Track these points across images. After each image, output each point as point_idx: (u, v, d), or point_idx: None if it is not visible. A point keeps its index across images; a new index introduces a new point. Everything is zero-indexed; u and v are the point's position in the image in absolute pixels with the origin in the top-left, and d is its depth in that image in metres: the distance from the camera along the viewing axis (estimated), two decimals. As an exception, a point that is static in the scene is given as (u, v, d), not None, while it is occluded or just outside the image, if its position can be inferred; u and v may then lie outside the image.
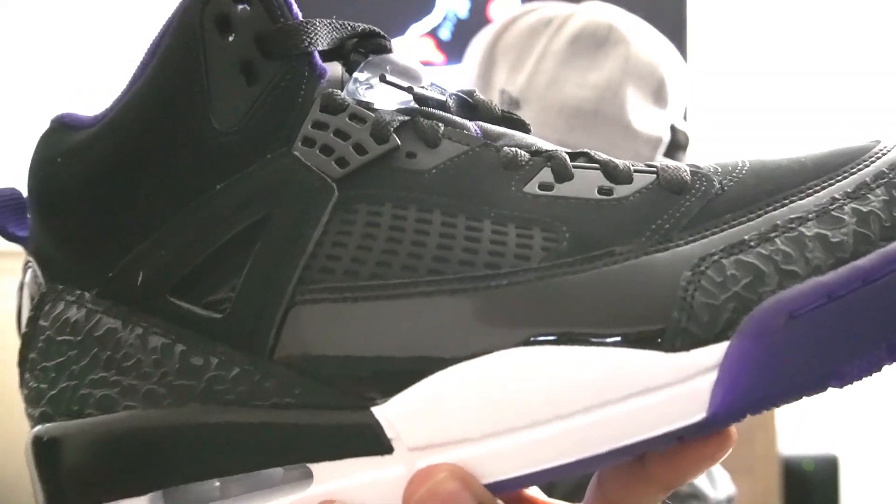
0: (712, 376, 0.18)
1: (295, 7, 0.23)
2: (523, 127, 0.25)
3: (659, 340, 0.19)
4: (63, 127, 0.23)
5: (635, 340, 0.19)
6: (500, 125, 0.24)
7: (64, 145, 0.22)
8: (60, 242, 0.22)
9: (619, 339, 0.19)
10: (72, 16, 1.29)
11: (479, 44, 0.64)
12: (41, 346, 0.22)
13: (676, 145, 0.61)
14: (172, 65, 0.21)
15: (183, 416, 0.21)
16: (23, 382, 0.23)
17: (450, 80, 0.64)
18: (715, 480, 0.62)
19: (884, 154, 0.22)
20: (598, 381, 0.19)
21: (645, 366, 0.19)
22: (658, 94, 0.60)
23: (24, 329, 0.23)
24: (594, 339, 0.19)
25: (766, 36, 1.51)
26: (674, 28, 1.27)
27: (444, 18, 1.32)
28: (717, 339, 0.19)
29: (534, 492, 0.26)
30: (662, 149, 0.59)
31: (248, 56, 0.22)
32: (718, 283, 0.19)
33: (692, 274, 0.19)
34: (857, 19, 1.50)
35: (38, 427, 0.22)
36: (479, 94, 0.25)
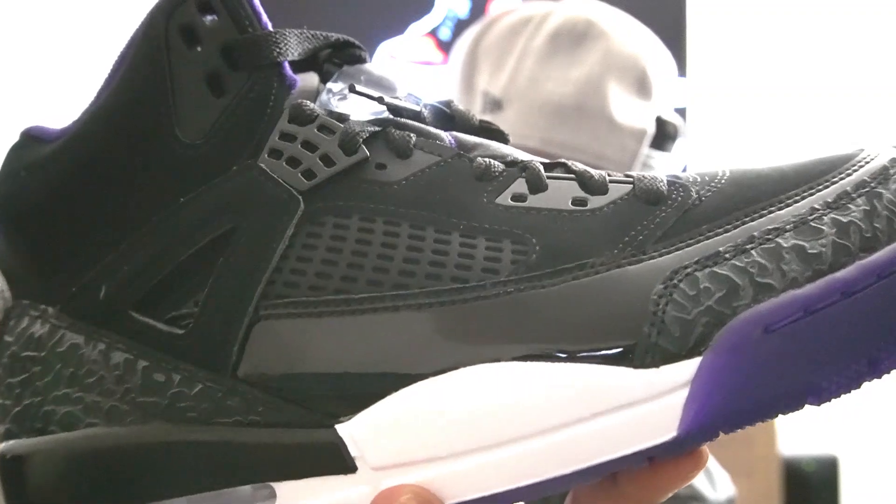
0: (684, 393, 0.18)
1: (264, 17, 0.22)
2: (501, 137, 0.25)
3: (629, 356, 0.18)
4: (31, 140, 0.23)
5: (604, 356, 0.18)
6: (478, 135, 0.24)
7: (29, 158, 0.22)
8: (24, 257, 0.22)
9: (587, 355, 0.18)
10: (50, 25, 1.29)
11: (461, 47, 0.64)
12: (6, 361, 0.22)
13: (666, 136, 0.60)
14: (138, 77, 0.21)
15: (146, 434, 0.20)
16: (-11, 399, 0.23)
17: (449, 80, 0.64)
18: (715, 482, 0.61)
19: (867, 163, 0.21)
20: (565, 399, 0.18)
21: (614, 383, 0.18)
22: (641, 86, 0.59)
23: None
24: (561, 356, 0.18)
25: (766, 41, 1.51)
26: (673, 33, 1.27)
27: (444, 18, 1.33)
28: (689, 354, 0.18)
29: None
30: (648, 141, 0.59)
31: (214, 67, 0.21)
32: (691, 296, 0.19)
33: (664, 287, 0.19)
34: (858, 22, 1.50)
35: (3, 444, 0.22)
36: (457, 104, 0.25)
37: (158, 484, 0.20)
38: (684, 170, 0.23)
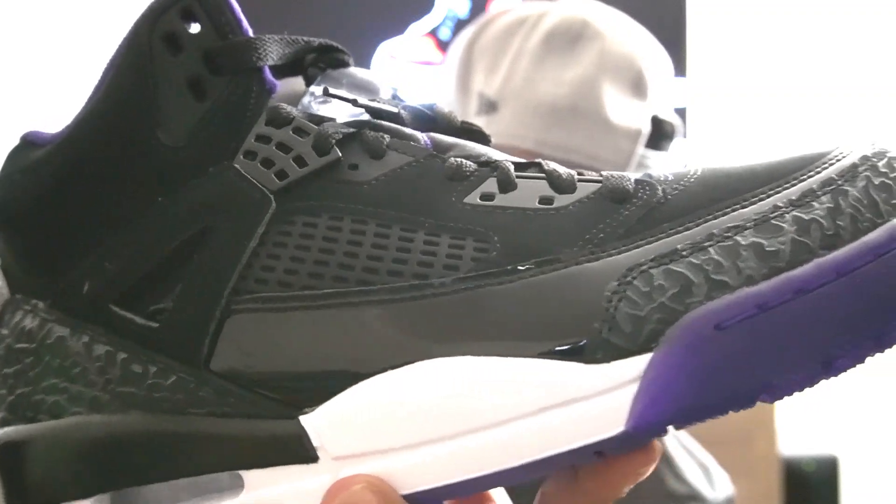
0: (633, 389, 0.18)
1: (245, 24, 0.23)
2: (482, 137, 0.25)
3: (581, 352, 0.18)
4: (27, 144, 0.24)
5: (557, 352, 0.19)
6: (459, 136, 0.24)
7: (25, 162, 0.23)
8: (19, 254, 0.23)
9: (540, 350, 0.19)
10: (54, 32, 1.32)
11: (456, 48, 0.64)
12: (2, 353, 0.23)
13: (663, 136, 0.59)
14: (123, 83, 0.22)
15: (125, 423, 0.21)
16: (-12, 388, 0.24)
17: (445, 81, 0.64)
18: (714, 481, 0.61)
19: (837, 160, 0.21)
20: (516, 394, 0.18)
21: (564, 378, 0.18)
22: (637, 87, 0.59)
23: None
24: (515, 351, 0.19)
25: (766, 41, 1.48)
26: (673, 33, 1.25)
27: (444, 18, 1.32)
28: (639, 350, 0.18)
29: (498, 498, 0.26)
30: (643, 141, 0.58)
31: (196, 73, 0.22)
32: (644, 293, 0.19)
33: (618, 284, 0.19)
34: (858, 22, 1.46)
35: (0, 431, 0.23)
36: (440, 107, 0.25)
37: (138, 470, 0.21)
38: (684, 167, 0.23)
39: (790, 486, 1.17)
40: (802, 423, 1.30)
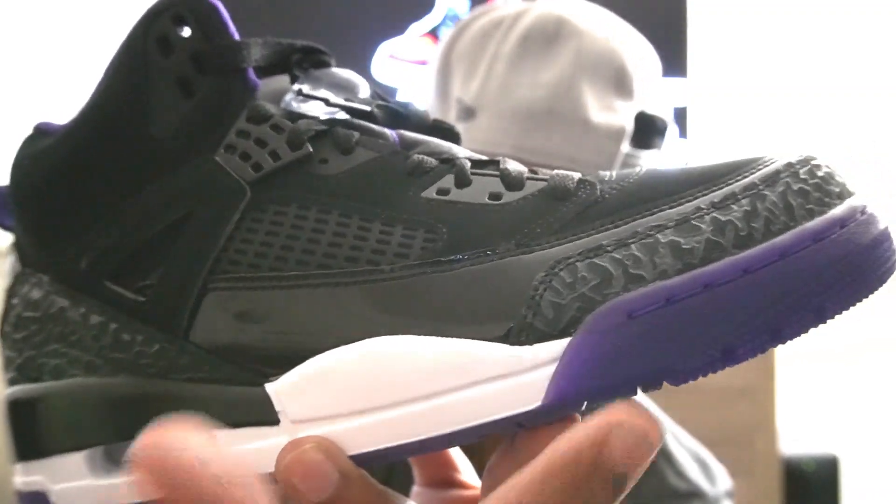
0: (552, 369, 0.20)
1: (231, 28, 0.26)
2: (452, 135, 0.27)
3: (507, 335, 0.21)
4: (40, 133, 0.27)
5: (486, 334, 0.21)
6: (430, 134, 0.27)
7: (35, 149, 0.26)
8: (27, 231, 0.26)
9: (472, 331, 0.21)
10: (65, 32, 1.36)
11: (435, 53, 0.62)
12: (12, 320, 0.26)
13: (654, 132, 0.57)
14: (119, 81, 0.25)
15: (115, 385, 0.24)
16: (1, 350, 0.27)
17: (426, 88, 0.62)
18: (713, 477, 0.62)
19: (764, 167, 0.22)
20: (447, 369, 0.21)
21: (491, 357, 0.20)
22: (619, 84, 0.56)
23: (4, 304, 0.27)
24: (450, 332, 0.21)
25: (766, 41, 1.46)
26: (673, 33, 1.24)
27: (444, 18, 1.32)
28: (559, 335, 0.20)
29: (464, 470, 0.28)
30: (627, 139, 0.55)
31: (184, 73, 0.25)
32: (568, 283, 0.21)
33: (545, 275, 0.21)
34: (858, 22, 1.43)
35: (8, 390, 0.26)
36: (414, 106, 0.28)
37: (126, 427, 0.24)
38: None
39: (790, 485, 1.17)
40: (803, 422, 1.30)
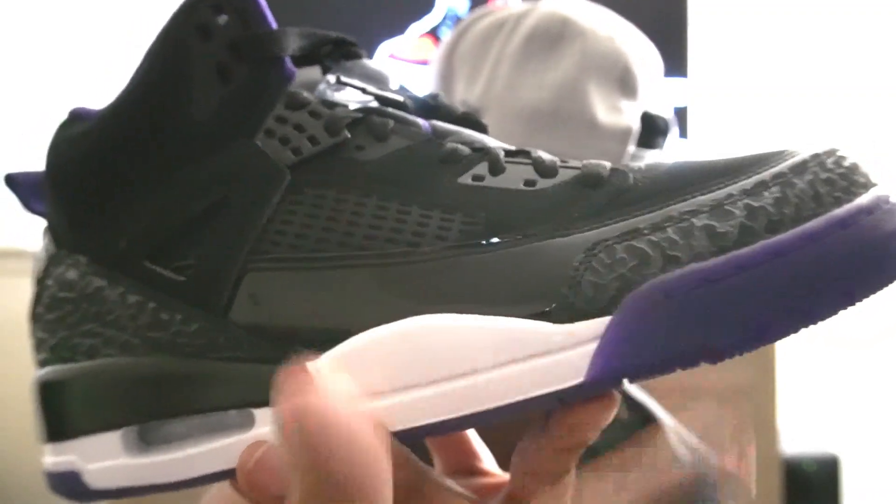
0: (593, 346, 0.21)
1: (269, 17, 0.26)
2: (480, 127, 0.28)
3: (549, 313, 0.21)
4: (75, 118, 0.27)
5: (528, 312, 0.21)
6: (459, 125, 0.27)
7: (71, 133, 0.26)
8: (64, 213, 0.26)
9: (514, 310, 0.21)
10: (99, 23, 1.36)
11: (437, 55, 0.61)
12: (46, 301, 0.26)
13: (656, 131, 0.58)
14: (159, 67, 0.25)
15: (152, 364, 0.24)
16: (32, 333, 0.27)
17: (428, 88, 0.63)
18: (687, 442, 0.63)
19: (791, 157, 0.23)
20: (489, 347, 0.21)
21: (533, 335, 0.21)
22: (624, 84, 0.56)
23: (35, 287, 0.27)
24: (492, 310, 0.21)
25: (766, 41, 1.48)
26: (674, 33, 1.26)
27: (444, 18, 1.33)
28: (600, 313, 0.21)
29: (486, 459, 0.29)
30: (633, 139, 0.56)
31: (223, 59, 0.25)
32: (607, 264, 0.21)
33: (585, 256, 0.22)
34: (858, 22, 1.46)
35: (40, 371, 0.26)
36: (444, 97, 0.28)
37: (162, 406, 0.24)
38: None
39: (791, 485, 1.18)
40: (803, 422, 1.32)
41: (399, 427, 0.22)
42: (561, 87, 0.55)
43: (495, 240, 0.22)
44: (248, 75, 0.25)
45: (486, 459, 0.29)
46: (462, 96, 0.58)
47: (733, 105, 1.46)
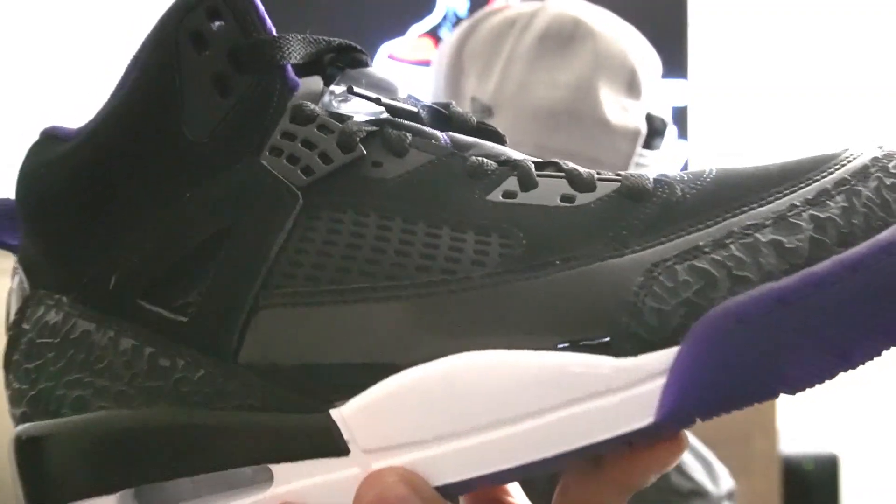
0: (661, 381, 0.19)
1: (269, 23, 0.24)
2: (498, 137, 0.26)
3: (609, 345, 0.19)
4: (50, 139, 0.24)
5: (584, 345, 0.19)
6: (474, 136, 0.25)
7: (48, 156, 0.23)
8: (42, 248, 0.23)
9: (568, 343, 0.19)
10: (65, 28, 1.33)
11: (444, 52, 0.63)
12: (23, 348, 0.23)
13: (654, 132, 0.59)
14: (149, 79, 0.22)
15: (152, 417, 0.21)
16: (7, 384, 0.24)
17: (434, 85, 0.63)
18: (717, 477, 0.62)
19: (849, 161, 0.21)
20: (546, 386, 0.19)
21: (593, 370, 0.19)
22: (631, 85, 0.58)
23: (9, 332, 0.24)
24: (543, 344, 0.19)
25: (766, 41, 1.50)
26: (674, 33, 1.27)
27: (444, 18, 1.33)
28: (666, 344, 0.19)
29: (514, 492, 0.26)
30: (641, 140, 0.57)
31: (221, 70, 0.22)
32: (670, 288, 0.19)
33: (644, 279, 0.19)
34: (858, 22, 1.49)
35: (19, 427, 0.23)
36: (456, 107, 0.26)
37: (161, 465, 0.21)
38: (684, 168, 0.24)
39: (790, 485, 1.19)
40: (803, 421, 1.32)
41: (442, 481, 0.19)
42: (576, 87, 0.57)
43: (540, 263, 0.20)
44: (249, 87, 0.22)
45: (516, 493, 0.27)
46: (473, 93, 0.59)
47: (733, 105, 1.46)
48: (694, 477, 0.60)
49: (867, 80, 1.49)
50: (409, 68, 1.30)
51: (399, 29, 1.31)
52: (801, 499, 1.21)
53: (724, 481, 0.62)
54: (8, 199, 0.26)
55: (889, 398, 1.39)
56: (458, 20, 1.33)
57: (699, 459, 0.62)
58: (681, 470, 0.60)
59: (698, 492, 0.59)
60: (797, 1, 1.50)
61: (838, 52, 1.49)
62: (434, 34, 1.33)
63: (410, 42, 1.32)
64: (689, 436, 0.65)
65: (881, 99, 1.47)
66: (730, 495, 0.62)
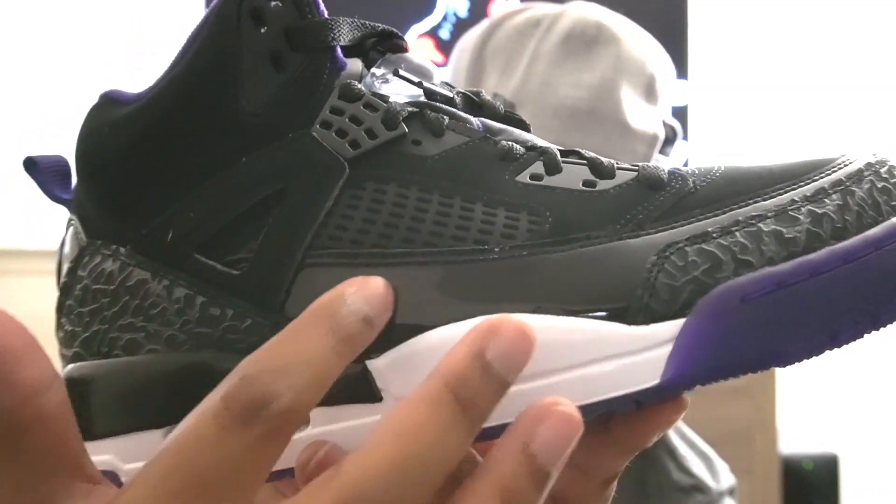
0: (668, 348, 0.21)
1: (322, 5, 0.25)
2: (523, 126, 0.28)
3: (623, 315, 0.21)
4: (110, 102, 0.26)
5: (602, 313, 0.21)
6: (502, 123, 0.27)
7: (109, 118, 0.25)
8: (101, 203, 0.25)
9: (587, 311, 0.21)
10: (65, 28, 1.33)
11: (465, 48, 0.64)
12: (78, 293, 0.25)
13: (665, 140, 0.61)
14: (210, 51, 0.24)
15: (199, 361, 0.23)
16: (59, 326, 0.26)
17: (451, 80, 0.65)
18: (717, 473, 0.64)
19: (845, 165, 0.24)
20: (566, 347, 0.21)
21: (609, 336, 0.21)
22: (649, 91, 0.60)
23: (63, 279, 0.26)
24: (565, 310, 0.21)
25: (766, 41, 1.52)
26: (674, 34, 1.29)
27: (444, 18, 1.34)
28: (675, 315, 0.21)
29: None
30: (658, 145, 0.59)
31: (277, 47, 0.24)
32: (680, 267, 0.21)
33: (657, 258, 0.22)
34: (858, 22, 1.51)
35: (71, 366, 0.25)
36: (486, 95, 0.28)
37: None
38: (685, 166, 0.26)
39: (790, 484, 1.20)
40: (803, 421, 1.34)
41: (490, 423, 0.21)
42: (599, 88, 0.58)
43: (563, 239, 0.22)
44: (302, 64, 0.24)
45: None
46: (494, 89, 0.60)
47: (733, 105, 1.48)
48: (694, 472, 0.62)
49: (867, 80, 1.50)
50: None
51: (399, 29, 1.32)
52: (801, 499, 1.23)
53: (725, 477, 0.64)
54: (59, 157, 0.28)
55: (889, 398, 1.41)
56: (459, 20, 1.34)
57: (700, 455, 0.64)
58: (681, 465, 0.62)
59: (699, 487, 0.61)
60: (797, 1, 1.52)
61: (838, 52, 1.51)
62: (434, 34, 1.34)
63: (410, 42, 1.33)
64: (690, 433, 0.67)
65: (881, 99, 1.49)
66: (731, 491, 0.64)
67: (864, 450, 1.41)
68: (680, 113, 1.31)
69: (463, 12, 1.34)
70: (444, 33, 1.35)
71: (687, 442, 0.65)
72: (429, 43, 1.34)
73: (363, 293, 0.21)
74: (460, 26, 1.34)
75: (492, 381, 0.19)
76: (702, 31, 1.41)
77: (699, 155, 1.36)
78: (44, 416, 0.20)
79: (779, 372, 1.10)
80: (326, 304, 0.20)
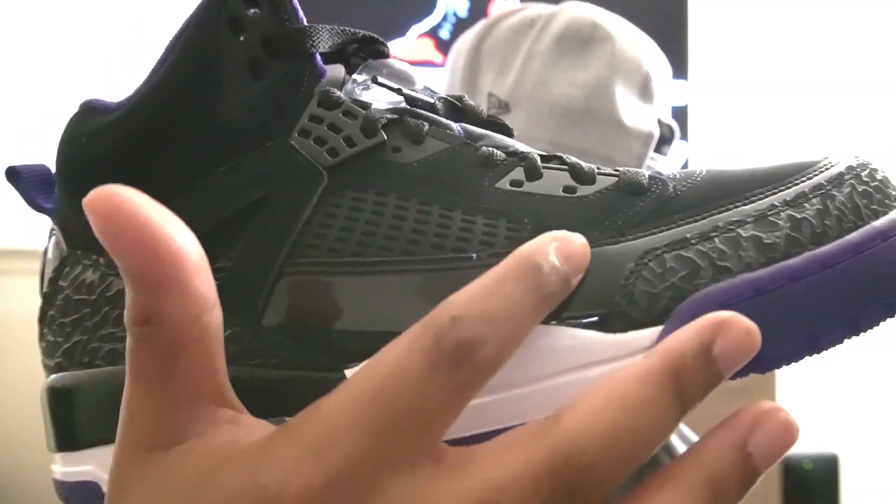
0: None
1: (301, 13, 0.25)
2: (506, 131, 0.28)
3: (602, 322, 0.21)
4: (90, 111, 0.26)
5: (581, 321, 0.21)
6: (485, 128, 0.27)
7: (90, 127, 0.25)
8: (81, 212, 0.25)
9: (564, 319, 0.21)
10: (100, 15, 1.33)
11: (461, 49, 0.64)
12: (60, 303, 0.25)
13: (662, 139, 0.61)
14: (189, 59, 0.24)
15: None
16: (41, 336, 0.26)
17: (448, 81, 0.65)
18: (687, 438, 0.64)
19: (826, 169, 0.24)
20: (545, 356, 0.21)
21: (587, 343, 0.21)
22: (644, 90, 0.60)
23: (45, 289, 0.26)
24: (544, 319, 0.21)
25: (766, 41, 1.52)
26: (674, 34, 1.29)
27: (444, 18, 1.34)
28: (653, 322, 0.21)
29: None
30: (653, 144, 0.59)
31: (255, 55, 0.24)
32: (658, 273, 0.21)
33: (635, 265, 0.22)
34: (858, 22, 1.50)
35: (53, 376, 0.25)
36: (468, 100, 0.28)
37: None
38: (684, 166, 0.26)
39: (790, 484, 1.20)
40: (802, 421, 1.34)
41: (450, 436, 0.21)
42: (593, 87, 0.58)
43: None
44: (281, 72, 0.24)
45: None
46: (490, 89, 0.60)
47: (733, 105, 1.48)
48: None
49: (867, 80, 1.50)
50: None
51: (399, 29, 1.32)
52: (801, 498, 1.23)
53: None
54: (41, 165, 0.28)
55: (889, 398, 1.41)
56: (459, 21, 1.34)
57: None
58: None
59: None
60: (797, 1, 1.52)
61: (838, 52, 1.50)
62: (434, 34, 1.34)
63: (410, 42, 1.33)
64: (690, 433, 0.67)
65: (880, 99, 1.49)
66: None
67: (864, 450, 1.41)
68: (680, 113, 1.31)
69: (463, 12, 1.34)
70: (444, 33, 1.35)
71: (686, 442, 0.65)
72: (429, 43, 1.34)
73: (567, 249, 0.20)
74: (460, 26, 1.34)
75: (713, 375, 0.19)
76: (702, 31, 1.41)
77: (699, 155, 1.36)
78: (205, 336, 0.19)
79: (778, 372, 1.10)
80: (531, 257, 0.20)
